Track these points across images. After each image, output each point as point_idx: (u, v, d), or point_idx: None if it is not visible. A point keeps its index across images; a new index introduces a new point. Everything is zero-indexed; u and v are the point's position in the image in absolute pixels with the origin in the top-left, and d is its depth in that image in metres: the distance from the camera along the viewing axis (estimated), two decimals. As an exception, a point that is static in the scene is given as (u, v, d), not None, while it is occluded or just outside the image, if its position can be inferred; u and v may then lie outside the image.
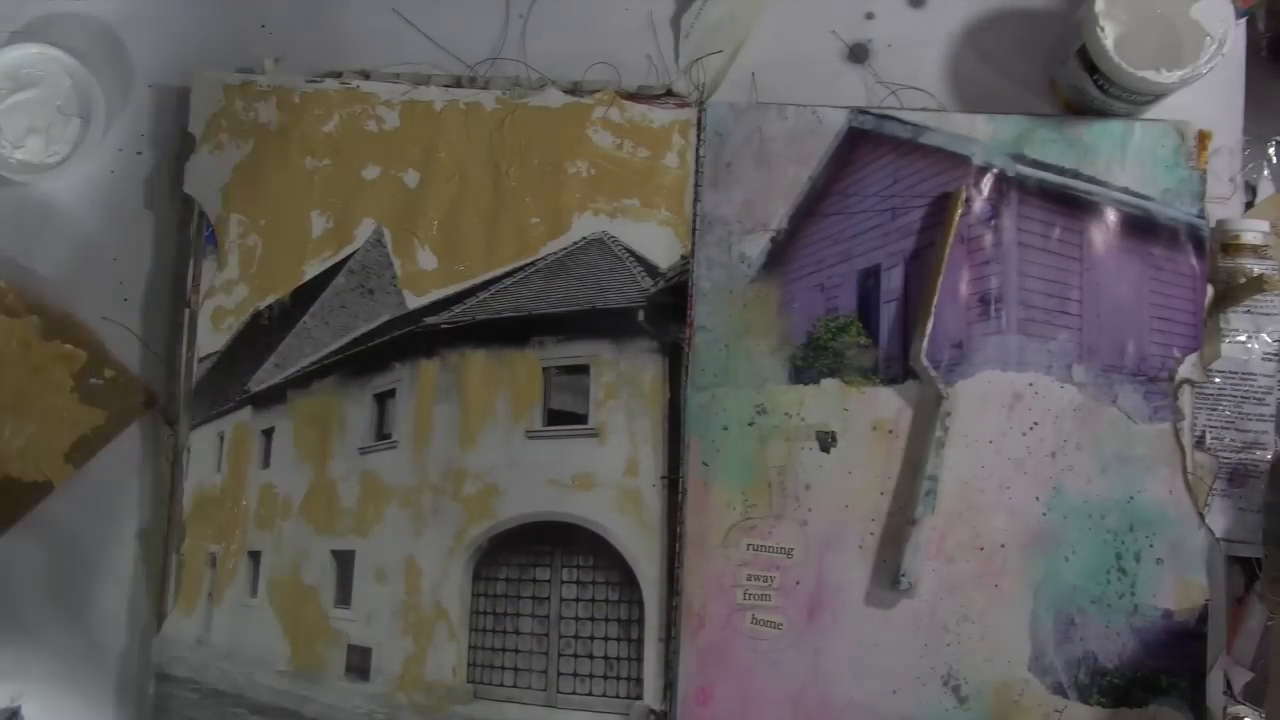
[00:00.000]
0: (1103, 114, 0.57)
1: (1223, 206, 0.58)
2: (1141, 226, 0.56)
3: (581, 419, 0.57)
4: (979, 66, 0.60)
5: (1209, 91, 0.57)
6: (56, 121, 0.61)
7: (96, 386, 0.59)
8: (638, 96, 0.59)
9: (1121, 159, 0.57)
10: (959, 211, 0.56)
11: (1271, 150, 0.59)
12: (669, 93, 0.60)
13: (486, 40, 0.61)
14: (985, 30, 0.60)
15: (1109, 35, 0.52)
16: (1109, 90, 0.54)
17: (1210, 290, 0.57)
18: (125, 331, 0.61)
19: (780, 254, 0.58)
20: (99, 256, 0.62)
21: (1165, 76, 0.52)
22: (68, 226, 0.62)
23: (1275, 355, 0.57)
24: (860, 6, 0.61)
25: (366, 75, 0.61)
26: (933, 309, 0.55)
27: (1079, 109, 0.58)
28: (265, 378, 0.60)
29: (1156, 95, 0.55)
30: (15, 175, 0.61)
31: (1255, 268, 0.56)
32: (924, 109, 0.59)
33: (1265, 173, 0.59)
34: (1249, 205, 0.59)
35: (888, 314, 0.57)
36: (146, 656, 0.59)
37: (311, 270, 0.60)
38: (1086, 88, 0.55)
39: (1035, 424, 0.56)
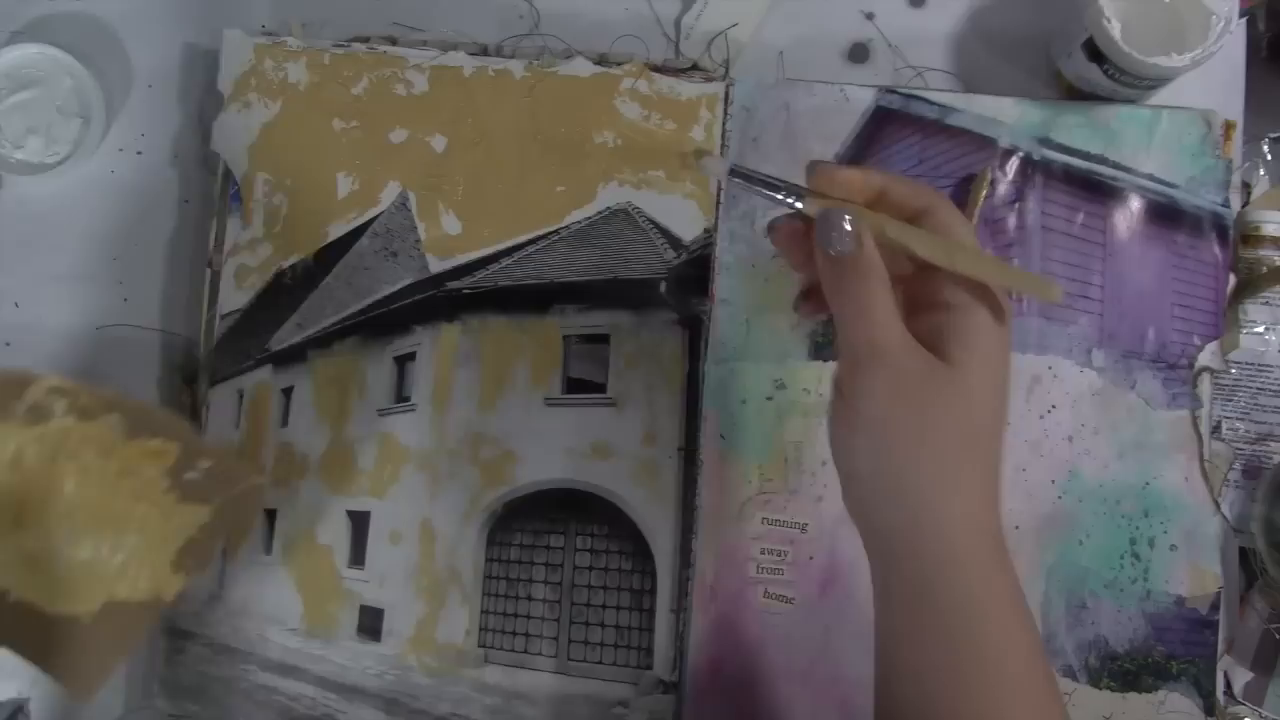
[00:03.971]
0: (1111, 101, 0.58)
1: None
2: (1165, 214, 0.56)
3: (600, 388, 0.57)
4: (981, 65, 0.60)
5: (1210, 91, 0.58)
6: (56, 121, 0.61)
7: (194, 480, 0.49)
8: (665, 69, 0.60)
9: (1148, 146, 0.57)
10: (983, 193, 0.56)
11: (1265, 147, 0.59)
12: (695, 67, 0.60)
13: (503, 25, 0.62)
14: (986, 29, 0.60)
15: (1115, 27, 0.52)
16: (1119, 79, 0.54)
17: (1232, 279, 0.57)
18: (127, 330, 0.62)
19: (804, 230, 0.58)
20: (99, 257, 0.62)
21: (1177, 60, 0.52)
22: (68, 227, 0.63)
23: (1294, 347, 0.57)
24: (860, 6, 0.61)
25: (393, 41, 0.61)
26: (954, 290, 0.55)
27: (1086, 99, 0.58)
28: (286, 336, 0.60)
29: (1166, 79, 0.55)
30: (15, 175, 0.61)
31: (1277, 259, 0.56)
32: (949, 90, 0.59)
33: (1260, 171, 0.59)
34: (1245, 205, 0.59)
35: (908, 293, 0.57)
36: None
37: (336, 231, 0.60)
38: (1095, 78, 0.55)
39: (1053, 407, 0.56)
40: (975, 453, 0.37)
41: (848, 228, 0.36)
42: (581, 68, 0.59)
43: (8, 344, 0.62)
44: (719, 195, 0.58)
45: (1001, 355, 0.37)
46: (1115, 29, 0.52)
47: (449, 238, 0.59)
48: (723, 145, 0.58)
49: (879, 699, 0.39)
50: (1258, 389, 0.57)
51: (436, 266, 0.59)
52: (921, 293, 0.38)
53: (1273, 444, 0.57)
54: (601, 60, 0.60)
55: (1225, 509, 0.56)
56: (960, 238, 0.37)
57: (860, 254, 0.36)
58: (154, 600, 0.49)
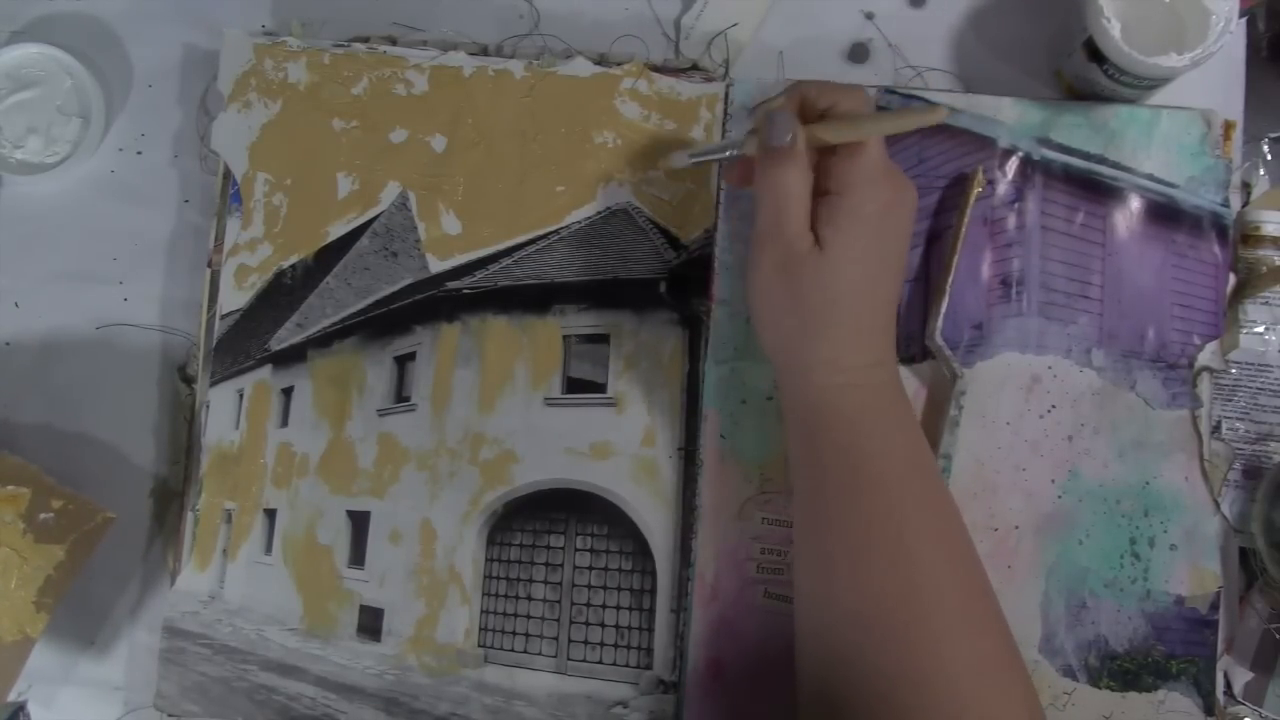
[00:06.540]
0: (1111, 101, 0.57)
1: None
2: (1165, 213, 0.56)
3: (600, 388, 0.57)
4: (980, 65, 0.60)
5: (1210, 91, 0.58)
6: (56, 121, 0.61)
7: (48, 521, 0.54)
8: (665, 69, 0.60)
9: (1147, 146, 0.57)
10: (977, 191, 0.56)
11: (1265, 147, 0.59)
12: (695, 67, 0.60)
13: (503, 25, 0.62)
14: (986, 29, 0.60)
15: (1115, 27, 0.52)
16: (1120, 79, 0.54)
17: (1232, 279, 0.57)
18: (128, 330, 0.62)
19: (803, 230, 0.58)
20: (99, 257, 0.62)
21: (1177, 60, 0.52)
22: (68, 227, 0.63)
23: (1294, 347, 0.57)
24: (860, 6, 0.61)
25: (393, 41, 0.61)
26: (947, 289, 0.55)
27: (1086, 99, 0.58)
28: (286, 336, 0.60)
29: (1166, 79, 0.55)
30: (15, 175, 0.61)
31: (1277, 259, 0.56)
32: (949, 90, 0.59)
33: (1260, 171, 0.59)
34: (1245, 205, 0.59)
35: (907, 294, 0.57)
36: (157, 613, 0.60)
37: (336, 231, 0.60)
38: (1095, 78, 0.55)
39: (1053, 407, 0.56)
40: (837, 313, 0.46)
41: (789, 124, 0.46)
42: (581, 68, 0.59)
43: (8, 344, 0.62)
44: (719, 195, 0.58)
45: (868, 234, 0.46)
46: (1115, 29, 0.52)
47: (449, 238, 0.59)
48: (722, 145, 0.58)
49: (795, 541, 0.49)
50: (1258, 389, 0.57)
51: (436, 266, 0.59)
52: (820, 182, 0.47)
53: (1273, 444, 0.57)
54: (601, 60, 0.60)
55: (1225, 509, 0.56)
56: (860, 116, 0.47)
57: (793, 146, 0.46)
58: (22, 639, 0.54)
